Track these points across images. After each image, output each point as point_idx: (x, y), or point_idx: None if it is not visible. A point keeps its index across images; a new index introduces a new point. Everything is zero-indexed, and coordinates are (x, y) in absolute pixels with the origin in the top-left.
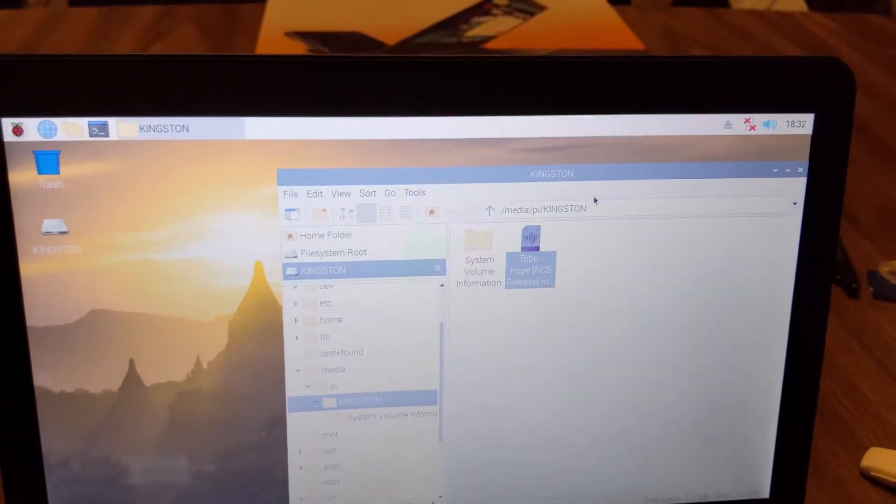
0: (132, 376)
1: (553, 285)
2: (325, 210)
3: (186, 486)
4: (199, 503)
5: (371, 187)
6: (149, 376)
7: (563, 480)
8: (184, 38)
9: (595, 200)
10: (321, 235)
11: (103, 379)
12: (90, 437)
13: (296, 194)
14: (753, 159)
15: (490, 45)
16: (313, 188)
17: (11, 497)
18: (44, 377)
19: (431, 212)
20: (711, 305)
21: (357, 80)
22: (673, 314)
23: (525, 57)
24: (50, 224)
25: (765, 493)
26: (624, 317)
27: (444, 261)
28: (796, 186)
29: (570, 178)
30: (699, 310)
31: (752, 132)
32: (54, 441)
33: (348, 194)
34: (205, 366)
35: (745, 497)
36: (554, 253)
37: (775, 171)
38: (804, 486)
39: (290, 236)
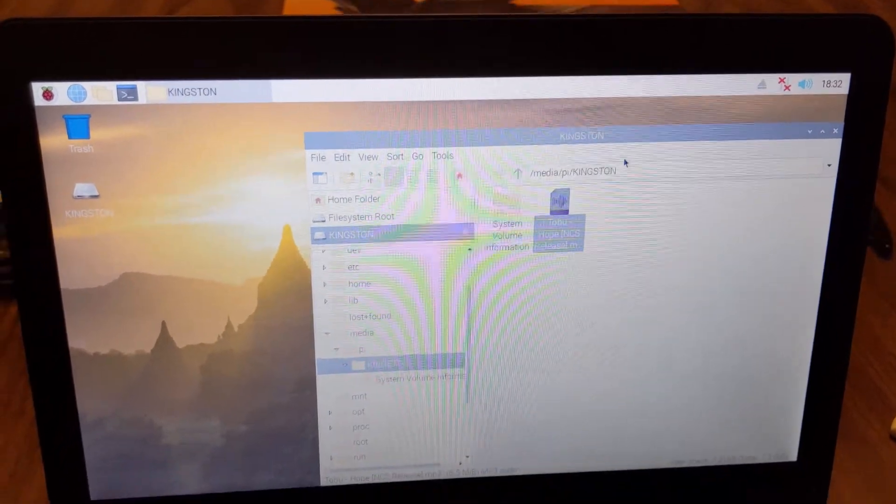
0: (165, 338)
1: (582, 249)
2: (352, 174)
3: (218, 446)
4: (231, 462)
5: (398, 150)
6: (181, 338)
7: (589, 442)
8: (210, 0)
9: (625, 162)
10: (349, 199)
11: (136, 341)
12: (124, 398)
13: (323, 158)
14: (787, 120)
15: (518, 2)
16: (341, 151)
17: (49, 455)
18: (78, 339)
19: (459, 175)
20: (742, 268)
21: (384, 41)
22: (703, 277)
23: (554, 16)
24: (81, 188)
25: (792, 456)
26: (652, 280)
27: (472, 224)
28: (831, 148)
29: (600, 140)
30: (729, 272)
31: (787, 92)
32: (89, 402)
33: (375, 157)
34: (235, 328)
35: (772, 460)
36: (583, 216)
37: (810, 132)
38: (833, 449)
39: (317, 200)
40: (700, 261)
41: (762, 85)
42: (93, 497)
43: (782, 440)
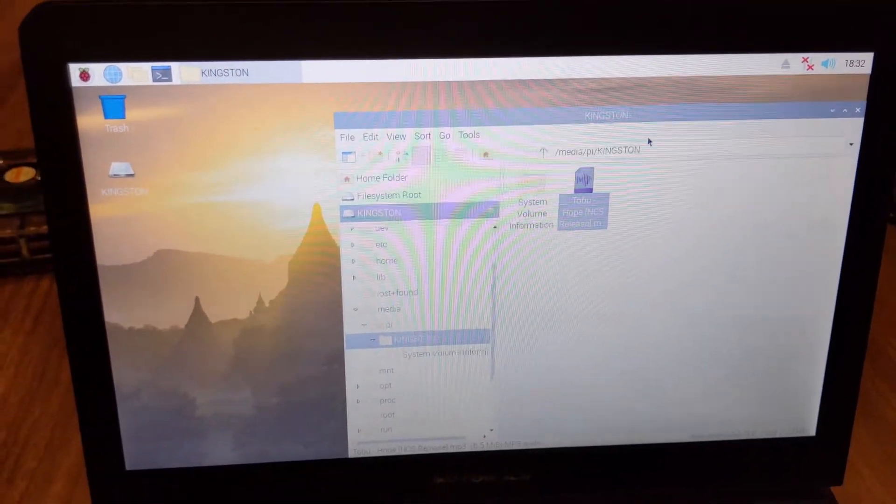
0: (198, 314)
1: (605, 227)
2: (380, 153)
3: (250, 417)
4: (262, 433)
5: (426, 130)
6: (214, 314)
7: (611, 416)
8: None
9: (649, 141)
10: (377, 178)
11: (170, 316)
12: (159, 371)
13: (352, 137)
14: (810, 99)
15: None
16: (369, 131)
17: (86, 427)
18: (114, 314)
19: (486, 154)
20: (764, 246)
21: (412, 21)
22: (724, 255)
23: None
24: (117, 167)
25: (811, 431)
26: (675, 257)
27: (497, 203)
28: (853, 127)
29: (624, 119)
30: (751, 250)
31: (810, 72)
32: (125, 374)
33: (403, 137)
34: (266, 304)
35: (791, 435)
36: (607, 194)
37: (832, 111)
38: (851, 425)
39: (346, 179)
40: (722, 238)
41: (786, 64)
42: (128, 467)
43: (801, 415)
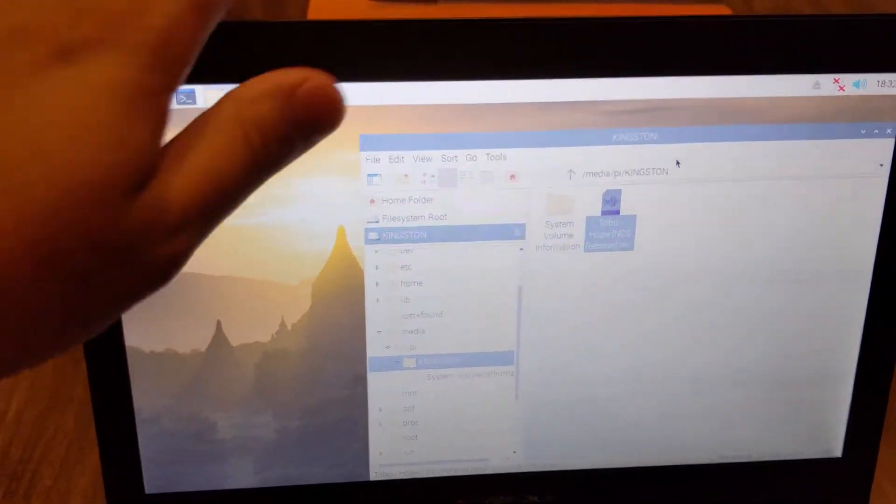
0: (219, 337)
1: (632, 248)
2: (406, 175)
3: (271, 441)
4: (283, 457)
5: (452, 152)
6: (235, 337)
7: (636, 437)
8: None
9: (677, 163)
10: (402, 200)
11: (191, 339)
12: (180, 395)
13: (378, 160)
14: (841, 121)
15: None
16: (395, 153)
17: (105, 449)
18: (134, 337)
19: (512, 176)
20: (792, 267)
21: (437, 43)
22: (753, 276)
23: (608, 18)
24: None
25: (837, 452)
26: (703, 278)
27: (523, 225)
28: (884, 148)
29: (653, 141)
30: (780, 271)
31: (841, 93)
32: (145, 398)
33: (429, 159)
34: (289, 327)
35: (817, 456)
36: (634, 216)
37: (863, 132)
38: (878, 445)
39: (371, 201)
40: (751, 259)
41: (817, 85)
42: (147, 490)
43: (828, 436)
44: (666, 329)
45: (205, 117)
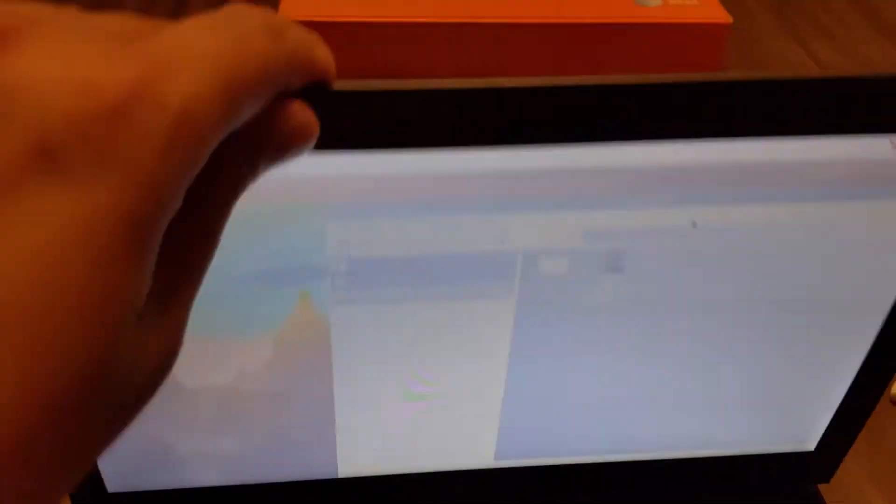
0: (174, 382)
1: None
2: (381, 238)
3: (235, 452)
4: (249, 454)
5: (434, 217)
6: (191, 382)
7: (616, 432)
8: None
9: (694, 224)
10: (375, 262)
11: None
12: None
13: (347, 225)
14: (875, 183)
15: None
16: (367, 221)
17: None
18: None
19: (503, 241)
20: (809, 322)
21: (413, 112)
22: (765, 325)
23: (616, 83)
24: None
25: (810, 446)
26: (700, 317)
27: (511, 287)
28: None
29: (667, 203)
30: (797, 329)
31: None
32: None
33: (407, 225)
34: (249, 373)
35: (789, 450)
36: (643, 276)
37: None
38: (851, 443)
39: (338, 266)
40: (765, 315)
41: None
42: (110, 489)
43: (805, 434)
44: (653, 343)
45: None
